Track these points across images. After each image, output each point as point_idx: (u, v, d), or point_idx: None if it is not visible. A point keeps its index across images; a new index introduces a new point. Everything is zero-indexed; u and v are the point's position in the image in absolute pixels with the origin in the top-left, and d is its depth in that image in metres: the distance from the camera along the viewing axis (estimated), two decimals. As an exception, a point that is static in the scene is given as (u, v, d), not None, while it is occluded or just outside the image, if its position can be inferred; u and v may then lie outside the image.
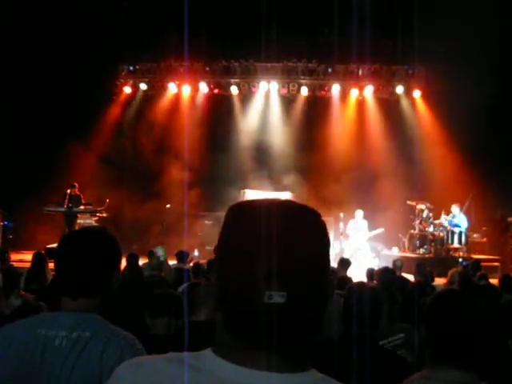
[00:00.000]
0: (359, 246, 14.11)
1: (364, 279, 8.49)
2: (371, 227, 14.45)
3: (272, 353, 1.07)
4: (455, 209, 14.25)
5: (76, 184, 14.25)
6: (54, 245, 13.07)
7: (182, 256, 8.86)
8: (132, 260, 7.62)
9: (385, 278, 6.58)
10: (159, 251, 9.25)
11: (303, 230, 1.09)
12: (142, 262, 8.97)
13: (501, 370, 2.98)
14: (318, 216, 1.15)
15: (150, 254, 9.34)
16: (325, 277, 1.11)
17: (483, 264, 10.22)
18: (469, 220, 14.32)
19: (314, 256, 1.08)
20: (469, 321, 1.99)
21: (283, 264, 1.05)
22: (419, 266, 8.59)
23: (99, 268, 2.00)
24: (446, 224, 14.34)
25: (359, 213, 14.40)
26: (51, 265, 7.14)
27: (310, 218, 1.14)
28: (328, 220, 14.19)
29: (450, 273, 7.97)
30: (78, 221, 14.15)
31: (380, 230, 14.36)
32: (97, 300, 2.00)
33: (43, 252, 8.27)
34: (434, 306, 2.10)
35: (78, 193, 14.24)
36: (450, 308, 2.05)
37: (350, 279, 7.67)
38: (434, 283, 8.25)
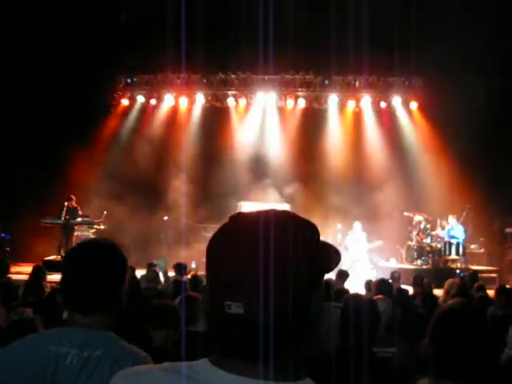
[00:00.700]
0: (358, 258, 14.09)
1: (363, 291, 8.49)
2: (369, 238, 14.43)
3: (262, 361, 1.07)
4: (452, 220, 14.28)
5: (73, 196, 14.26)
6: (52, 257, 13.09)
7: (179, 268, 8.86)
8: (129, 273, 7.62)
9: (382, 289, 6.56)
10: (161, 262, 9.25)
11: (272, 241, 1.07)
12: (139, 274, 8.95)
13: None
14: (301, 224, 1.15)
15: (149, 266, 9.32)
16: (299, 288, 1.09)
17: (481, 275, 10.23)
18: (466, 231, 14.34)
19: (282, 268, 1.06)
20: (474, 336, 2.00)
21: (242, 275, 1.06)
22: (417, 277, 8.60)
23: (109, 282, 1.97)
24: (443, 235, 14.35)
25: (357, 225, 14.37)
26: (49, 277, 7.13)
27: (286, 227, 1.11)
28: (326, 232, 14.19)
29: (446, 283, 7.96)
30: (76, 233, 14.15)
31: (379, 243, 14.32)
32: (108, 315, 1.96)
33: (41, 264, 8.26)
34: (442, 322, 2.10)
35: (74, 205, 14.25)
36: (457, 324, 2.06)
37: (347, 291, 7.66)
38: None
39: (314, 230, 1.15)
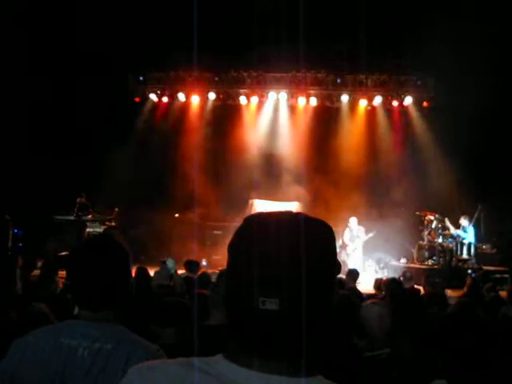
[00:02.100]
0: (354, 254, 13.95)
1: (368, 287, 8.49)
2: (381, 237, 14.33)
3: (279, 357, 1.09)
4: (464, 221, 14.19)
5: (84, 193, 14.38)
6: (64, 253, 13.16)
7: (191, 265, 8.87)
8: (141, 270, 7.64)
9: (392, 288, 6.57)
10: (169, 263, 9.26)
11: (305, 241, 1.10)
12: (151, 272, 8.98)
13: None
14: (325, 227, 1.17)
15: (162, 264, 9.33)
16: (325, 288, 1.12)
17: (493, 276, 10.17)
18: (478, 232, 14.25)
19: (313, 267, 1.09)
20: (476, 339, 2.05)
21: (278, 271, 1.07)
22: (429, 277, 8.57)
23: (117, 278, 1.99)
24: (454, 235, 14.29)
25: (353, 220, 14.27)
26: (61, 273, 7.17)
27: (315, 229, 1.15)
28: (336, 231, 14.14)
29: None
30: (87, 229, 14.22)
31: (373, 233, 14.20)
32: (116, 310, 1.98)
33: (52, 260, 8.30)
34: (448, 327, 2.15)
35: (86, 202, 14.37)
36: (458, 329, 2.10)
37: (358, 290, 7.67)
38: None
39: (333, 233, 1.19)
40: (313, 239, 1.12)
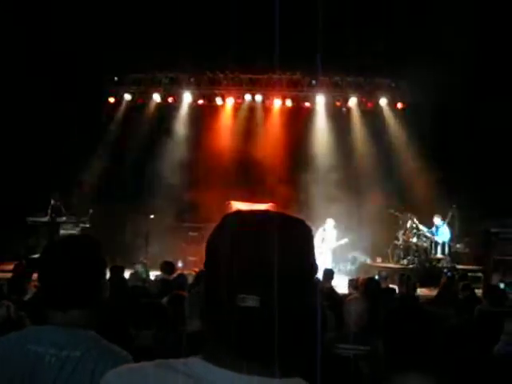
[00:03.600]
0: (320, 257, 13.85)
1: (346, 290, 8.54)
2: (339, 236, 14.33)
3: (259, 358, 1.08)
4: (437, 219, 14.36)
5: (57, 194, 14.25)
6: (37, 255, 12.99)
7: (166, 267, 8.82)
8: (116, 271, 7.58)
9: (370, 288, 6.61)
10: (139, 269, 9.16)
11: (283, 239, 1.09)
12: (126, 273, 8.91)
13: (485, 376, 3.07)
14: (303, 226, 1.17)
15: (135, 265, 9.27)
16: (305, 285, 1.11)
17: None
18: (452, 231, 14.43)
19: (293, 264, 1.09)
20: (422, 332, 2.10)
21: (258, 268, 1.06)
22: (402, 276, 8.65)
23: (87, 277, 1.94)
24: (429, 234, 14.45)
25: (330, 222, 14.32)
26: (34, 275, 7.07)
27: (294, 227, 1.15)
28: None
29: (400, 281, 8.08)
30: (61, 231, 14.07)
31: (344, 241, 14.26)
32: (87, 311, 1.94)
33: (24, 262, 8.19)
34: (390, 320, 2.24)
35: (58, 203, 14.25)
36: (404, 321, 2.17)
37: (333, 290, 7.71)
38: (417, 293, 8.29)
39: (311, 232, 1.19)
40: (291, 237, 1.12)
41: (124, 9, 15.00)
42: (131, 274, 8.75)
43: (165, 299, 5.72)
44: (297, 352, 1.13)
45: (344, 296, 7.92)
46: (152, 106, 17.69)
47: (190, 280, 7.16)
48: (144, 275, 9.03)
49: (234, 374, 1.08)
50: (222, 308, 1.09)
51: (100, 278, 2.00)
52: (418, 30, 14.13)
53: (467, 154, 14.28)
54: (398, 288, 8.13)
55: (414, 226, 14.72)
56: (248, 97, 17.49)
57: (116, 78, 17.48)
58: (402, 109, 17.14)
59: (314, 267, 1.15)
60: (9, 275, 7.82)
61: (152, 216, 15.18)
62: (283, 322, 1.07)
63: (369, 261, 15.10)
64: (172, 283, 6.91)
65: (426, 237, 14.52)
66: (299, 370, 1.14)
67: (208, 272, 1.15)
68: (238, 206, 15.20)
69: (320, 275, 9.24)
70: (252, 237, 1.09)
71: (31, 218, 13.95)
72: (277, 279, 1.06)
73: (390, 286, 8.62)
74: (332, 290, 6.75)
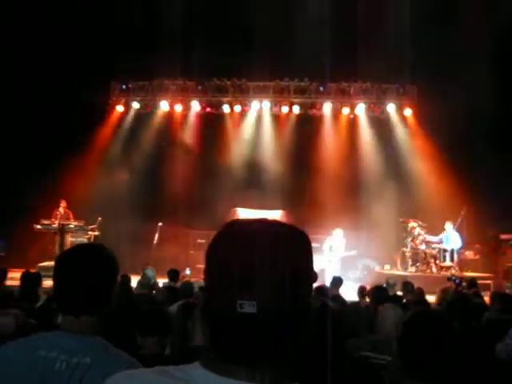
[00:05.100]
0: (327, 265, 13.78)
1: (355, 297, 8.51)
2: (348, 246, 14.26)
3: (258, 364, 1.08)
4: (448, 226, 14.29)
5: (65, 202, 14.33)
6: (46, 263, 13.04)
7: (173, 274, 8.82)
8: (123, 279, 7.59)
9: (377, 295, 6.58)
10: (149, 273, 9.18)
11: (283, 247, 1.11)
12: (133, 280, 8.91)
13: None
14: (301, 235, 1.18)
15: (144, 274, 9.27)
16: (302, 292, 1.12)
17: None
18: (462, 238, 14.34)
19: (290, 271, 1.09)
20: (436, 339, 2.11)
21: (256, 275, 1.07)
22: (406, 284, 8.60)
23: (100, 284, 1.96)
24: (436, 242, 14.41)
25: (338, 232, 14.23)
26: (44, 283, 7.09)
27: (292, 235, 1.16)
28: (318, 238, 14.08)
29: (440, 290, 7.98)
30: (70, 239, 14.11)
31: (354, 252, 14.21)
32: (98, 318, 1.95)
33: (33, 270, 8.20)
34: (406, 329, 2.23)
35: (67, 210, 14.33)
36: (420, 330, 2.18)
37: (341, 297, 7.68)
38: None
39: (309, 240, 1.19)
40: (290, 245, 1.13)
41: (131, 16, 15.10)
42: (139, 281, 8.77)
43: (174, 306, 5.72)
44: (294, 358, 1.13)
45: (353, 303, 7.91)
46: (159, 113, 17.75)
47: (197, 288, 7.15)
48: (153, 280, 9.05)
49: (232, 381, 1.08)
50: (221, 315, 1.10)
51: (112, 286, 2.02)
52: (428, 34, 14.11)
53: (476, 160, 14.21)
54: (403, 295, 8.09)
55: (423, 233, 14.66)
56: (255, 104, 17.52)
57: (124, 86, 17.57)
58: (410, 114, 17.12)
59: (311, 275, 1.16)
60: (17, 282, 7.85)
61: (160, 223, 15.21)
62: (281, 328, 1.08)
63: (377, 268, 15.04)
64: (178, 291, 6.91)
65: (434, 244, 14.48)
66: (298, 376, 1.14)
67: (208, 278, 1.17)
68: (243, 212, 15.19)
69: (328, 282, 9.25)
70: (249, 245, 1.10)
71: (40, 225, 13.99)
72: (274, 286, 1.07)
73: (398, 293, 8.59)
74: (337, 298, 6.73)
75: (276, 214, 14.60)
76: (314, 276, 1.18)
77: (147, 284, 8.67)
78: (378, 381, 3.05)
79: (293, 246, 1.13)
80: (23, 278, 6.83)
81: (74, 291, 1.94)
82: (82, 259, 1.99)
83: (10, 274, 12.04)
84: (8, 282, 8.87)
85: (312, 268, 1.17)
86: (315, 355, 2.81)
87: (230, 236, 1.16)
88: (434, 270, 14.34)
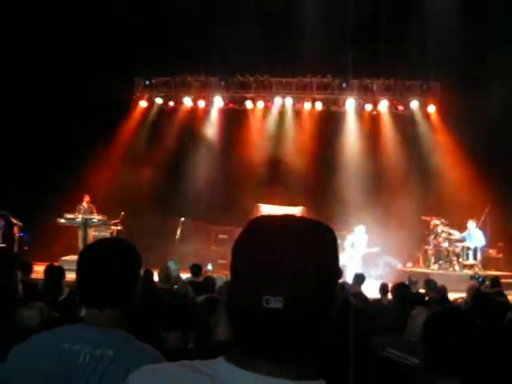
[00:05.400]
0: (348, 262, 13.69)
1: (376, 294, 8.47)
2: (370, 243, 14.18)
3: (282, 360, 1.09)
4: (471, 224, 14.15)
5: (88, 196, 14.44)
6: (69, 257, 13.20)
7: (195, 269, 8.86)
8: (145, 273, 7.65)
9: (399, 293, 6.55)
10: (172, 265, 9.21)
11: (309, 243, 1.12)
12: (156, 275, 8.96)
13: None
14: (328, 231, 1.18)
15: (166, 266, 9.30)
16: (328, 288, 1.13)
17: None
18: (486, 236, 14.18)
19: (317, 267, 1.10)
20: (462, 338, 2.12)
21: (284, 271, 1.07)
22: (429, 281, 8.55)
23: (123, 278, 1.98)
24: (459, 239, 14.28)
25: (360, 228, 14.13)
26: (67, 277, 7.17)
27: (318, 231, 1.17)
28: (341, 235, 14.04)
29: (468, 288, 7.93)
30: (93, 233, 14.24)
31: (376, 249, 14.11)
32: (122, 311, 1.97)
33: (57, 264, 8.29)
34: (431, 324, 2.26)
35: (90, 205, 14.44)
36: (444, 326, 2.19)
37: (363, 294, 7.66)
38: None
39: (335, 236, 1.20)
40: (316, 241, 1.13)
41: (154, 12, 15.17)
42: (161, 275, 8.79)
43: (199, 299, 5.75)
44: (318, 354, 1.14)
45: (374, 301, 7.88)
46: (183, 109, 17.82)
47: (219, 283, 7.17)
48: (176, 272, 9.07)
49: (256, 376, 1.08)
50: (247, 310, 1.10)
51: (136, 279, 2.03)
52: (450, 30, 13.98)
53: (500, 157, 14.05)
54: (426, 293, 8.04)
55: (445, 230, 14.54)
56: (278, 100, 17.50)
57: (147, 82, 17.67)
58: (434, 111, 16.97)
59: (336, 272, 1.16)
60: (41, 275, 7.95)
61: (183, 219, 15.28)
62: (306, 324, 1.09)
63: (400, 266, 14.95)
64: (200, 285, 6.95)
65: (458, 241, 14.34)
66: (321, 371, 1.15)
67: (233, 273, 1.17)
68: (266, 209, 15.20)
69: (351, 279, 9.23)
70: (275, 240, 1.11)
71: (63, 220, 14.13)
72: (300, 281, 1.08)
73: (421, 290, 8.53)
74: (358, 295, 6.72)
75: (297, 211, 14.59)
76: (339, 272, 1.19)
77: (168, 277, 8.68)
78: (404, 380, 3.04)
79: (319, 241, 1.14)
80: (47, 272, 6.91)
81: (98, 285, 1.95)
82: (105, 253, 2.01)
83: (34, 268, 12.23)
84: (32, 276, 8.97)
85: (338, 264, 1.17)
86: (338, 352, 2.82)
87: (256, 232, 1.16)
88: (457, 268, 14.21)
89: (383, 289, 8.18)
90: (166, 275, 7.76)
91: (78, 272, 2.03)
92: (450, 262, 14.37)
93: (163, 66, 16.51)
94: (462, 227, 14.48)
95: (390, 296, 7.43)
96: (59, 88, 14.86)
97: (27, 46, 14.40)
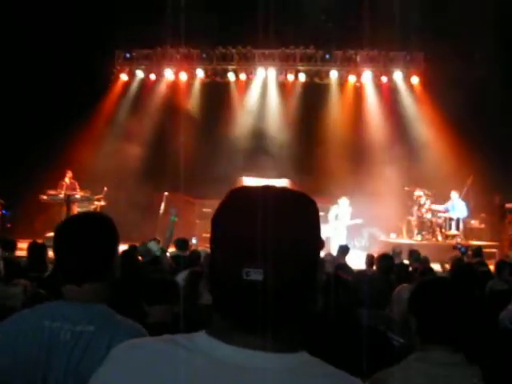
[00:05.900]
0: (332, 234, 13.82)
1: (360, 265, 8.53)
2: (353, 215, 14.27)
3: (262, 332, 1.07)
4: (454, 195, 14.27)
5: (71, 172, 14.35)
6: (52, 234, 13.13)
7: (181, 243, 8.84)
8: (129, 249, 7.61)
9: (384, 264, 6.60)
10: (153, 247, 9.12)
11: (289, 214, 1.10)
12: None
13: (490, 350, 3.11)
14: (308, 201, 1.16)
15: (146, 247, 9.23)
16: (309, 260, 1.11)
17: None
18: (468, 207, 14.32)
19: (297, 238, 1.08)
20: (451, 307, 2.13)
21: (264, 243, 1.05)
22: (413, 252, 8.63)
23: (100, 252, 1.96)
24: (442, 211, 14.41)
25: (344, 200, 14.22)
26: (50, 253, 7.12)
27: (298, 202, 1.15)
28: (325, 207, 14.11)
29: (450, 258, 8.00)
30: (77, 209, 14.15)
31: (359, 221, 14.21)
32: (101, 286, 1.95)
33: (40, 241, 8.24)
34: (418, 295, 2.25)
35: (73, 181, 14.36)
36: (432, 296, 2.19)
37: (348, 266, 7.69)
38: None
39: (316, 207, 1.17)
40: (295, 211, 1.11)
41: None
42: (142, 250, 8.72)
43: (181, 275, 5.73)
44: (300, 326, 1.13)
45: (359, 272, 7.91)
46: (164, 82, 17.64)
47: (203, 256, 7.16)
48: (159, 253, 9.01)
49: (237, 349, 1.07)
50: (227, 283, 1.09)
51: (113, 253, 2.01)
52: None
53: (484, 128, 14.11)
54: (409, 263, 8.11)
55: (429, 201, 14.65)
56: (261, 72, 17.38)
57: (128, 55, 17.45)
58: (417, 82, 16.96)
59: (318, 242, 1.14)
60: (23, 253, 7.89)
61: (166, 193, 15.22)
62: (287, 295, 1.07)
63: (383, 237, 15.07)
64: (186, 260, 6.93)
65: (440, 212, 14.47)
66: (304, 343, 1.13)
67: (213, 246, 1.15)
68: (250, 181, 15.17)
69: (335, 251, 9.28)
70: (255, 211, 1.08)
71: (46, 196, 14.03)
72: (280, 253, 1.06)
73: (404, 261, 8.60)
74: (343, 267, 6.74)
75: (282, 183, 14.59)
76: (320, 244, 1.16)
77: (147, 251, 8.59)
78: (390, 354, 3.06)
79: (298, 212, 1.12)
80: (30, 249, 6.87)
81: (75, 260, 1.93)
82: (80, 228, 1.99)
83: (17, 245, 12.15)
84: (15, 253, 8.91)
85: (319, 235, 1.15)
86: (323, 323, 2.82)
87: (234, 203, 1.14)
88: (440, 238, 14.38)
89: (369, 260, 8.24)
90: (145, 251, 7.71)
91: (55, 248, 2.01)
92: (433, 232, 14.52)
93: (144, 38, 16.29)
94: (444, 198, 14.60)
95: (374, 267, 7.50)
96: (39, 63, 14.60)
97: (4, 18, 14.11)
